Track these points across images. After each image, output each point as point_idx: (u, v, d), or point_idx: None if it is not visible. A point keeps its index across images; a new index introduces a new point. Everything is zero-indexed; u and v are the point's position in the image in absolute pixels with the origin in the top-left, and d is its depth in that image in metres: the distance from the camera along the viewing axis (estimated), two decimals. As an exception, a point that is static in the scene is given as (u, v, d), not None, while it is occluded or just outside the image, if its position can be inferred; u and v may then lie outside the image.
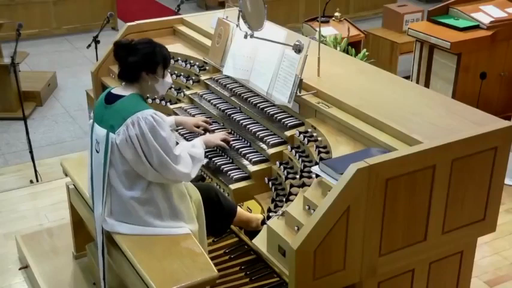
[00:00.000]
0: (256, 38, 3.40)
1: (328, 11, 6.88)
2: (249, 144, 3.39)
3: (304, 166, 2.98)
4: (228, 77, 3.79)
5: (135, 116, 2.84)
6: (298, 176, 2.95)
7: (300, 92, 3.28)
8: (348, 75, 3.50)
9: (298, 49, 3.21)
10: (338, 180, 2.49)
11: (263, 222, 3.13)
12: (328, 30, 6.34)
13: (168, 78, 3.08)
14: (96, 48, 5.63)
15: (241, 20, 3.41)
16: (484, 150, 2.75)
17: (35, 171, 5.21)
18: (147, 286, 2.75)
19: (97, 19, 8.62)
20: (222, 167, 3.30)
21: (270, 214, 2.87)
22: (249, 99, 3.57)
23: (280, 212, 2.76)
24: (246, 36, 3.41)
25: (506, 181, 4.74)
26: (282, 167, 3.12)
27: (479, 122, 2.88)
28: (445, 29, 5.71)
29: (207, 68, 4.06)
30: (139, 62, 2.92)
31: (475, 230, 2.92)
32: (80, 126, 6.46)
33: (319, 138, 3.08)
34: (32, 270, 3.86)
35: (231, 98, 3.68)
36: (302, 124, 3.27)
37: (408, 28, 5.87)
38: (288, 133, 3.23)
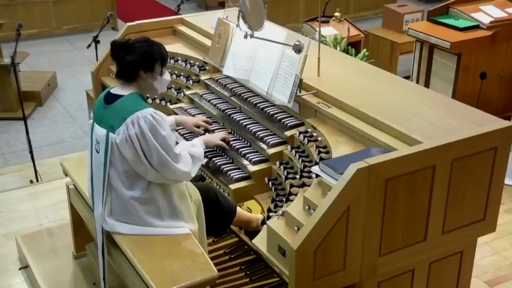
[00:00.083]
0: (256, 38, 3.40)
1: (328, 11, 6.88)
2: (249, 144, 3.39)
3: (304, 166, 2.97)
4: (228, 77, 3.79)
5: (134, 116, 2.84)
6: (298, 176, 2.95)
7: (300, 92, 3.28)
8: (348, 75, 3.50)
9: (298, 49, 3.21)
10: (338, 180, 2.49)
11: (263, 222, 3.13)
12: (328, 30, 6.35)
13: (166, 76, 3.08)
14: (96, 48, 5.63)
15: (241, 20, 3.41)
16: (484, 150, 2.75)
17: (35, 171, 5.21)
18: (147, 286, 2.75)
19: (97, 19, 8.62)
20: (222, 167, 3.30)
21: (270, 214, 2.87)
22: (249, 99, 3.57)
23: (280, 212, 2.76)
24: (246, 36, 3.41)
25: (506, 181, 4.74)
26: (282, 167, 3.12)
27: (479, 122, 2.88)
28: (445, 29, 5.71)
29: (207, 68, 4.06)
30: (137, 60, 2.92)
31: (475, 230, 2.92)
32: (80, 126, 6.46)
33: (319, 138, 3.08)
34: (32, 270, 3.86)
35: (231, 98, 3.68)
36: (302, 124, 3.27)
37: (408, 28, 5.87)
38: (288, 133, 3.23)
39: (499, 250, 4.20)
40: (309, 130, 3.18)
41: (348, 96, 3.16)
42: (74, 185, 3.63)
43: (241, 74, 3.65)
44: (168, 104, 4.04)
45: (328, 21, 6.66)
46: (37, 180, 5.19)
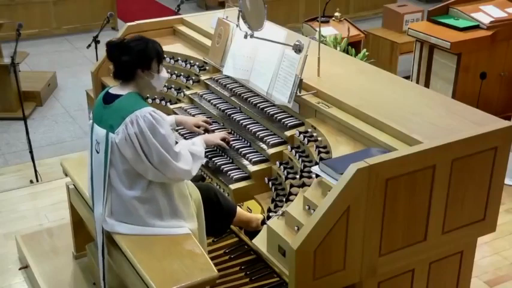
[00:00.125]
0: (256, 38, 3.40)
1: (328, 11, 6.88)
2: (249, 144, 3.39)
3: (304, 166, 2.97)
4: (228, 77, 3.79)
5: (133, 115, 2.84)
6: (298, 176, 2.95)
7: (300, 92, 3.28)
8: (348, 75, 3.50)
9: (298, 49, 3.21)
10: (338, 180, 2.49)
11: (263, 222, 3.13)
12: (328, 30, 6.34)
13: (164, 73, 3.08)
14: (96, 48, 5.63)
15: (241, 20, 3.41)
16: (484, 150, 2.75)
17: (35, 171, 5.21)
18: (147, 286, 2.75)
19: (97, 19, 8.62)
20: (222, 167, 3.30)
21: (270, 214, 2.87)
22: (249, 99, 3.57)
23: (280, 212, 2.76)
24: (246, 36, 3.41)
25: (506, 181, 4.74)
26: (282, 167, 3.12)
27: (479, 122, 2.88)
28: (445, 29, 5.71)
29: (207, 68, 4.06)
30: (133, 59, 2.92)
31: (475, 230, 2.92)
32: (80, 126, 6.46)
33: (319, 138, 3.08)
34: (32, 270, 3.86)
35: (231, 98, 3.68)
36: (302, 124, 3.27)
37: (408, 28, 5.86)
38: (288, 133, 3.23)
39: (499, 250, 4.20)
40: (309, 130, 3.18)
41: (348, 96, 3.16)
42: (74, 185, 3.63)
43: (241, 74, 3.65)
44: (168, 104, 4.04)
45: (328, 21, 6.66)
46: (37, 180, 5.19)
